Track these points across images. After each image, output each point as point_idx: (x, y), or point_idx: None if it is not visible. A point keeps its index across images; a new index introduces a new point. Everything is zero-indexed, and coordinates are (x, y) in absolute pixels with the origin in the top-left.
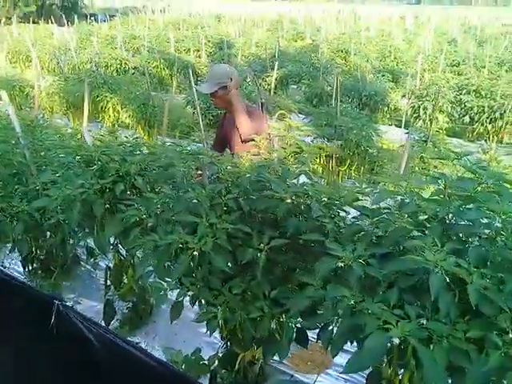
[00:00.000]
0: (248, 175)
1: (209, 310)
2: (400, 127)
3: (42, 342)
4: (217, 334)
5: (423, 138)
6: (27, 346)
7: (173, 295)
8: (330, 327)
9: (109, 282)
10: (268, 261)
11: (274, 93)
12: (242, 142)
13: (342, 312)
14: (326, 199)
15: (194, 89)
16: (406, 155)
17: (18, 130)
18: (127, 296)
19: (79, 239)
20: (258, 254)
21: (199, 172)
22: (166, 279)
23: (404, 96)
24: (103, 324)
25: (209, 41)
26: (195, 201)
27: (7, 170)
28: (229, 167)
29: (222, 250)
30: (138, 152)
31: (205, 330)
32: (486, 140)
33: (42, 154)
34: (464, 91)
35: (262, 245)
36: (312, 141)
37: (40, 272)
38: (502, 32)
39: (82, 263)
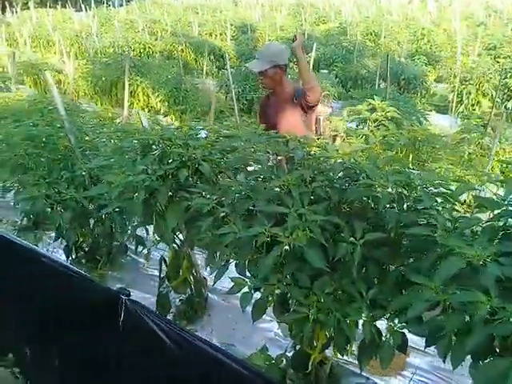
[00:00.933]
0: (340, 161)
1: (298, 310)
2: (439, 112)
3: (109, 339)
4: (277, 330)
5: (481, 123)
6: (93, 343)
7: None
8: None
9: (162, 274)
10: (362, 256)
11: None
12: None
13: (469, 319)
14: (433, 189)
15: (229, 72)
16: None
17: (62, 112)
18: (181, 288)
19: (134, 228)
20: (353, 249)
21: (279, 158)
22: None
23: (439, 81)
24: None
25: (231, 25)
26: (277, 189)
27: (52, 155)
28: (317, 152)
29: (315, 245)
30: (202, 136)
31: (264, 325)
32: None
33: (87, 138)
34: (509, 75)
35: (355, 239)
36: (358, 125)
37: (84, 261)
38: None
39: (129, 253)
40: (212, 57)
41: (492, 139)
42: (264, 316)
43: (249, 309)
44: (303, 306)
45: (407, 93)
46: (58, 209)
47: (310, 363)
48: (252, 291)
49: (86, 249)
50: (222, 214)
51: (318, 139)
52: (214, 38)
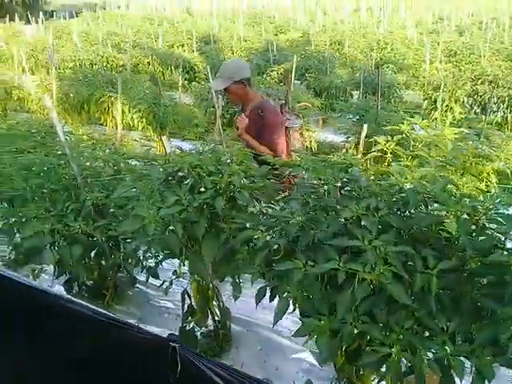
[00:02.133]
0: (408, 186)
1: (377, 349)
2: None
3: None
4: (311, 359)
5: (474, 132)
6: None
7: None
8: None
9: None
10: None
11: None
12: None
13: None
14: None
15: (212, 86)
16: None
17: (62, 138)
18: (204, 321)
19: (159, 261)
20: (429, 279)
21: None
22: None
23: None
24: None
25: (192, 35)
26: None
27: (55, 185)
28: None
29: (398, 279)
30: (231, 161)
31: (296, 355)
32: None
33: (88, 164)
34: (479, 81)
35: (427, 268)
36: (348, 138)
37: (87, 295)
38: (473, 22)
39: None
40: (180, 69)
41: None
42: (294, 344)
43: (278, 338)
44: (384, 345)
45: (382, 102)
46: (65, 243)
47: None
48: (328, 332)
49: (90, 282)
50: (275, 247)
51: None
52: (176, 50)
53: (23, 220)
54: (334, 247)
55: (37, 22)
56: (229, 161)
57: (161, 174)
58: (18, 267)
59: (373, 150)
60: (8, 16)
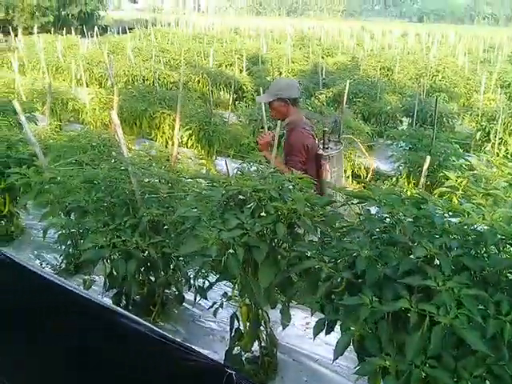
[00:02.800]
0: (485, 226)
1: None
2: (467, 151)
3: None
4: None
5: None
6: None
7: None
8: None
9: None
10: None
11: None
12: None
13: None
14: None
15: (258, 99)
16: None
17: (125, 154)
18: (250, 346)
19: (212, 283)
20: (503, 326)
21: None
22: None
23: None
24: None
25: (241, 55)
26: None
27: (115, 200)
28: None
29: (474, 324)
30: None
31: (342, 381)
32: None
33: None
34: None
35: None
36: (399, 167)
37: (134, 310)
38: None
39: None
40: (228, 88)
41: None
42: (340, 378)
43: (324, 371)
44: None
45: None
46: (120, 257)
47: None
48: (393, 373)
49: (137, 297)
50: (338, 280)
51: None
52: (225, 69)
53: (80, 231)
54: (405, 285)
55: (91, 36)
56: (291, 187)
57: (222, 195)
58: (67, 276)
59: (444, 185)
60: (65, 29)
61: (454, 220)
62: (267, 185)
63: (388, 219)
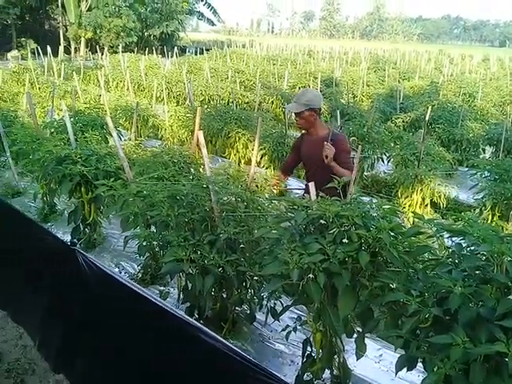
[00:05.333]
0: None
1: None
2: None
3: None
4: None
5: None
6: None
7: None
8: None
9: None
10: None
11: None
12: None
13: None
14: None
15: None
16: None
17: (208, 173)
18: (320, 374)
19: (287, 306)
20: None
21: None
22: None
23: None
24: None
25: (315, 77)
26: None
27: (195, 216)
28: None
29: None
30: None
31: None
32: None
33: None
34: None
35: None
36: (484, 198)
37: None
38: None
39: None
40: None
41: None
42: None
43: None
44: None
45: None
46: (198, 272)
47: None
48: None
49: (209, 312)
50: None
51: None
52: (298, 91)
53: (160, 244)
54: (501, 327)
55: (171, 56)
56: (375, 214)
57: (304, 219)
58: (143, 286)
59: None
60: (147, 49)
61: None
62: (350, 211)
63: (484, 257)
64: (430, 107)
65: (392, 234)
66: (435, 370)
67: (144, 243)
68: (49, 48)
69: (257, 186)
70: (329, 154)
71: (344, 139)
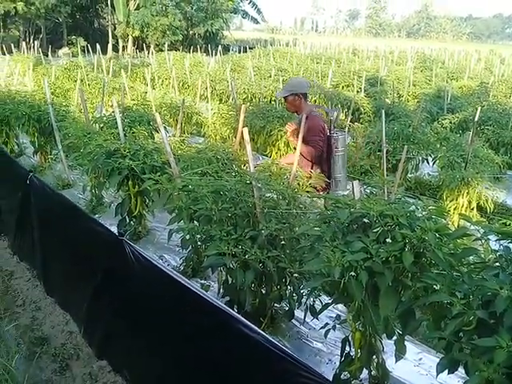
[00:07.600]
0: None
1: None
2: None
3: None
4: None
5: None
6: None
7: None
8: None
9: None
10: None
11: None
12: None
13: None
14: None
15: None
16: None
17: (252, 170)
18: (357, 374)
19: (326, 304)
20: None
21: None
22: None
23: None
24: None
25: (359, 76)
26: None
27: (238, 211)
28: None
29: None
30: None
31: None
32: None
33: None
34: None
35: None
36: None
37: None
38: None
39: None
40: (345, 109)
41: None
42: None
43: None
44: None
45: None
46: (239, 267)
47: None
48: None
49: (248, 307)
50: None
51: None
52: (342, 90)
53: (203, 237)
54: None
55: (215, 54)
56: (420, 215)
57: (347, 217)
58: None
59: None
60: (191, 47)
61: None
62: (395, 210)
63: None
64: (479, 108)
65: (437, 235)
66: (477, 373)
67: (187, 237)
68: (98, 46)
69: (298, 183)
70: (287, 129)
71: (313, 118)
